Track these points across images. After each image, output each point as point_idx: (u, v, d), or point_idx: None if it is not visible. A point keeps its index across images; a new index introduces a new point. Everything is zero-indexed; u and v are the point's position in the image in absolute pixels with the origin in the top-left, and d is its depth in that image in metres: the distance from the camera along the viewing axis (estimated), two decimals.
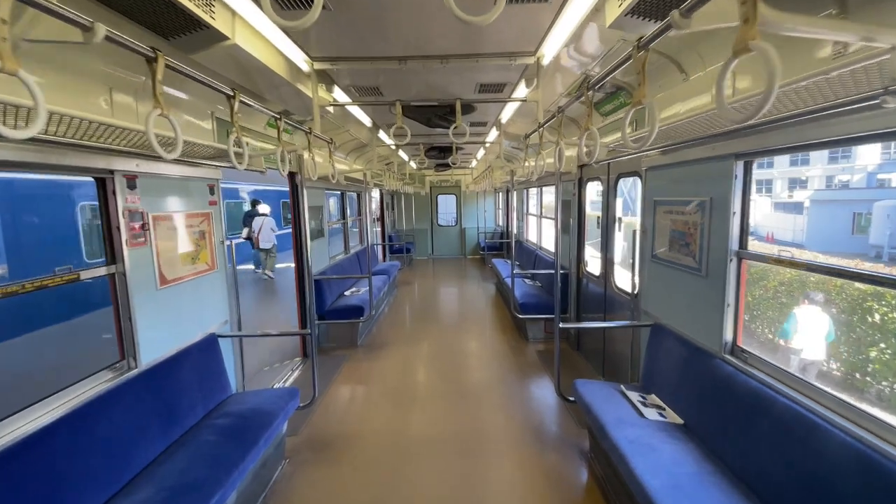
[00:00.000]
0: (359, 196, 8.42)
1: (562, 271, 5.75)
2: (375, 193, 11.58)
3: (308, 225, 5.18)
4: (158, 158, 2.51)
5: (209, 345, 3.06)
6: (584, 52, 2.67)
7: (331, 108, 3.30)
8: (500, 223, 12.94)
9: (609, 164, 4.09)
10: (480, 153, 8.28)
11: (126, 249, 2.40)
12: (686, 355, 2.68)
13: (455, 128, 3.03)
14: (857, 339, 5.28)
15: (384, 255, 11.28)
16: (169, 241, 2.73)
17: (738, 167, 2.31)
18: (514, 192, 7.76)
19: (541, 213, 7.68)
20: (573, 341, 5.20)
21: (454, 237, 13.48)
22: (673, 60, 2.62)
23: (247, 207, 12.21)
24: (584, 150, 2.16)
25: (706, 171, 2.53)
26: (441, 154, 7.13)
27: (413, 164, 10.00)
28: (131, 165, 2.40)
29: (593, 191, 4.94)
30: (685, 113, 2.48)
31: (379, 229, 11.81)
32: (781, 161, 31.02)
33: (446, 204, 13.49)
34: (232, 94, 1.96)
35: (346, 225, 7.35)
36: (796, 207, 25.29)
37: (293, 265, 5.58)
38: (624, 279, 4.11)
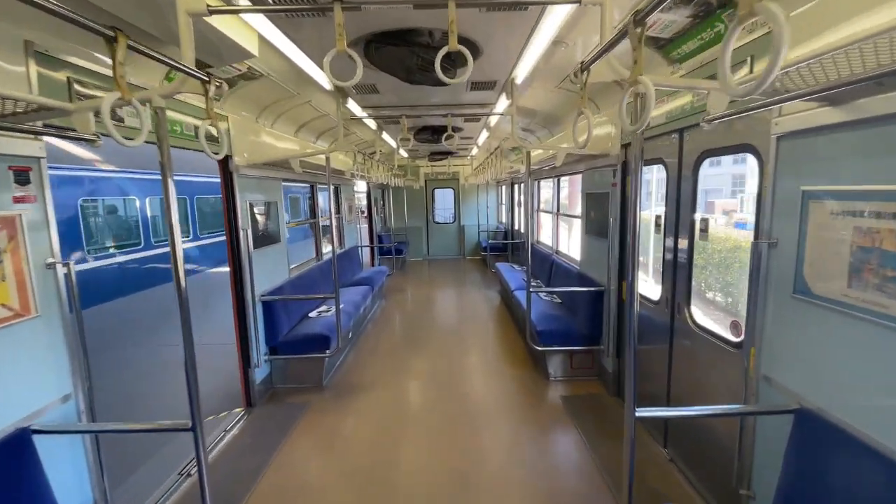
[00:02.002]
0: (336, 189, 7.05)
1: (595, 289, 4.32)
2: (362, 187, 10.22)
3: (248, 225, 3.81)
4: None
5: (12, 450, 1.71)
6: None
7: (211, 21, 1.85)
8: (504, 220, 11.56)
9: (681, 134, 2.72)
10: (482, 138, 6.89)
11: None
12: None
13: (447, 59, 1.65)
14: None
15: (372, 259, 9.91)
16: None
17: None
18: (525, 184, 6.37)
19: (557, 209, 6.30)
20: (609, 380, 3.84)
21: (452, 236, 12.08)
22: None
23: None
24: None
25: None
26: (434, 136, 5.74)
27: (403, 153, 8.59)
28: None
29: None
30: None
31: (366, 227, 10.44)
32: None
33: (443, 199, 12.07)
34: None
35: (318, 226, 5.97)
36: None
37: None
38: (702, 313, 2.76)
